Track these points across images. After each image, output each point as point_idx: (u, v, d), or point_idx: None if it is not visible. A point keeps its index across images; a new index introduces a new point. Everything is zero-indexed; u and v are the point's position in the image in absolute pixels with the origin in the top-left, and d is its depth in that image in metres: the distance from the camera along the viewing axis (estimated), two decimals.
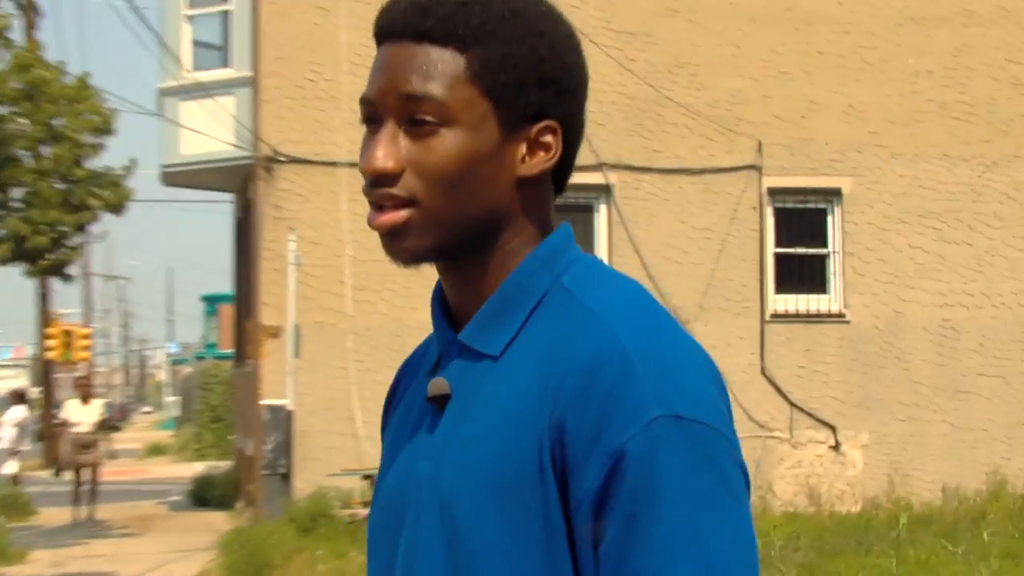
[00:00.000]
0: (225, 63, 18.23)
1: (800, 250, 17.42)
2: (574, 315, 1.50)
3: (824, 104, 17.34)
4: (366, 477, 15.32)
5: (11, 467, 21.67)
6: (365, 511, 14.71)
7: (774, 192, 17.32)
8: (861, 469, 17.12)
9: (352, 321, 16.29)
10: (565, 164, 1.60)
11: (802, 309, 17.24)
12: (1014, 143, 17.61)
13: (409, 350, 16.18)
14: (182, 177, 19.19)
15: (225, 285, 27.78)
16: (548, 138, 1.56)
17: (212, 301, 47.93)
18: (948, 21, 17.57)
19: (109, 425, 20.66)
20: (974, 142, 17.53)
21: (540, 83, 1.55)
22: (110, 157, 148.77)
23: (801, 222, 17.43)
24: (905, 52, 17.47)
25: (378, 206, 1.54)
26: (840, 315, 17.28)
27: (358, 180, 16.13)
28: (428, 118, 1.52)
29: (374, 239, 14.83)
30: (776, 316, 17.17)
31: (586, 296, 1.52)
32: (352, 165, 16.05)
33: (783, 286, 17.28)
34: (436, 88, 1.52)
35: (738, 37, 17.25)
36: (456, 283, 1.58)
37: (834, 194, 17.39)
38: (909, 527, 14.34)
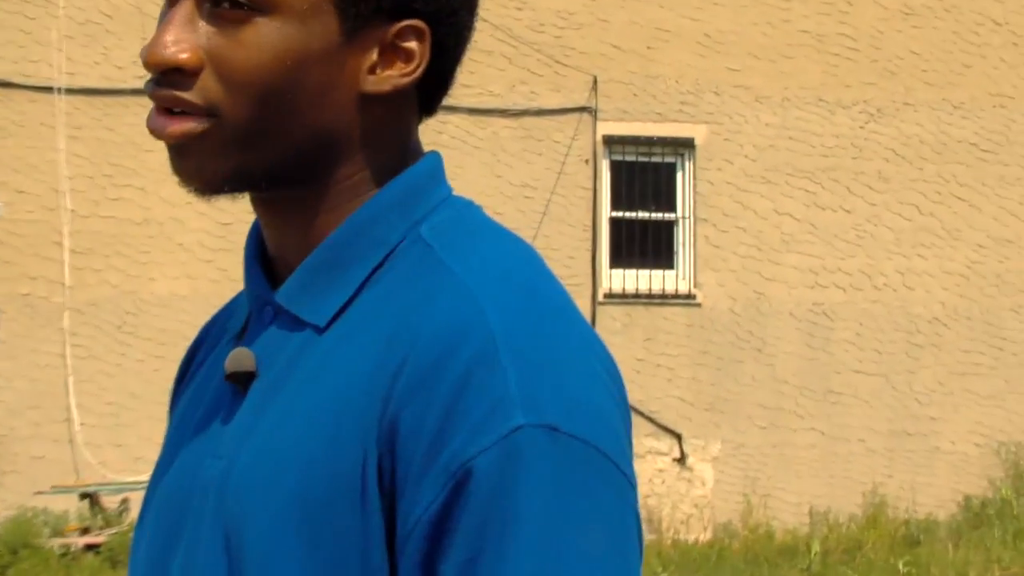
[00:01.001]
0: None
1: (642, 214, 17.61)
2: (431, 279, 1.44)
3: (675, 33, 17.51)
4: (85, 496, 15.25)
5: None
6: (84, 540, 14.67)
7: (611, 141, 17.47)
8: (711, 488, 17.34)
9: (70, 294, 16.09)
10: (438, 78, 1.53)
11: (643, 288, 17.40)
12: (904, 86, 18.04)
13: (146, 332, 16.11)
14: None
15: None
16: (411, 43, 1.49)
17: None
18: None
19: None
20: (856, 84, 17.90)
21: None
22: None
23: (644, 179, 17.61)
24: None
25: (165, 108, 1.45)
26: (689, 296, 17.49)
27: (80, 111, 15.97)
28: None
29: (99, 189, 13.93)
30: (610, 296, 17.30)
31: (449, 254, 1.45)
32: (73, 92, 15.89)
33: (620, 259, 17.44)
34: None
35: None
36: (276, 224, 1.51)
37: (685, 145, 17.60)
38: (769, 560, 14.76)
